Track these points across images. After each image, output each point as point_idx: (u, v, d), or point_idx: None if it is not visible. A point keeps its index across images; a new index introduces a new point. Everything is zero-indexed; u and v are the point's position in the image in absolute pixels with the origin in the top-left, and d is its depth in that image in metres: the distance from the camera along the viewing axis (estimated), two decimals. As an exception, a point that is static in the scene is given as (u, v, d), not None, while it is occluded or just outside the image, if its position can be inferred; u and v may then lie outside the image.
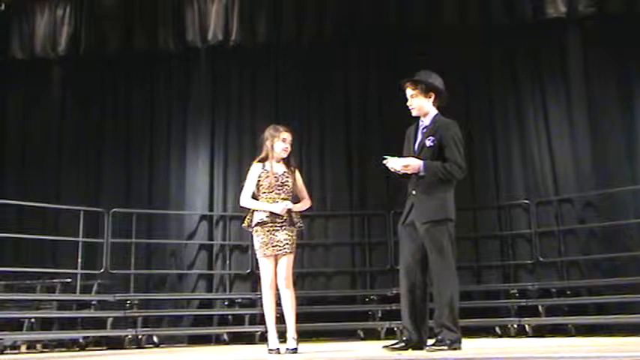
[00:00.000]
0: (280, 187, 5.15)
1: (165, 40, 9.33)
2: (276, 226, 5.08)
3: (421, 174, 4.67)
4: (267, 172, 5.17)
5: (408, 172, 4.69)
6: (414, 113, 4.87)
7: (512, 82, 9.02)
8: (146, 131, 9.56)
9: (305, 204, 5.30)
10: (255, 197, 5.18)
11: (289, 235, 5.11)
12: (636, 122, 8.32)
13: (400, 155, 4.81)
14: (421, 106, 4.81)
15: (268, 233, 5.07)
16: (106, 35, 9.40)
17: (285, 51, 9.44)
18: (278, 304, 5.12)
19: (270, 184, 5.13)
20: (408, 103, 4.86)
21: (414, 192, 4.73)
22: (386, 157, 4.74)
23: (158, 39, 9.34)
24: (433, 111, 4.84)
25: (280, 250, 5.06)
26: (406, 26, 9.00)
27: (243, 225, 5.25)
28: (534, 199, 8.52)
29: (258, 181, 5.17)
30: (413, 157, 4.73)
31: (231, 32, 9.21)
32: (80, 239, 7.92)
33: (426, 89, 4.80)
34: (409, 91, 4.84)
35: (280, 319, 5.11)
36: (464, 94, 8.91)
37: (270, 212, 5.08)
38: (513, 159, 8.84)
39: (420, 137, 4.81)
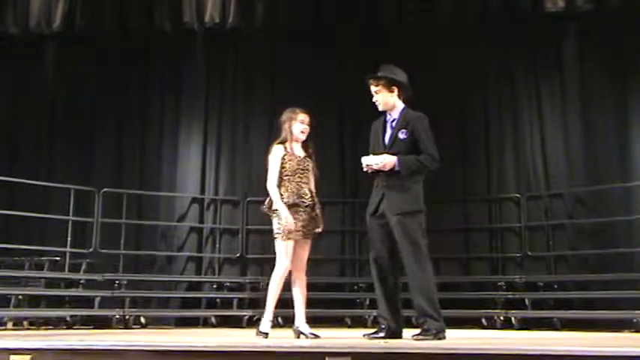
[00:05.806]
0: (302, 172, 5.10)
1: (161, 20, 9.20)
2: (300, 210, 5.03)
3: (396, 169, 4.73)
4: (291, 155, 5.11)
5: (385, 169, 4.74)
6: (381, 108, 4.95)
7: (507, 76, 9.01)
8: (140, 111, 9.49)
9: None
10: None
11: (312, 220, 5.08)
12: (630, 120, 8.33)
13: (368, 150, 4.87)
14: (386, 101, 4.90)
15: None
16: (101, 13, 9.28)
17: (282, 35, 9.37)
18: (285, 289, 5.04)
19: (293, 168, 5.07)
20: (373, 99, 4.93)
21: (384, 183, 4.79)
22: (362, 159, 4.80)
23: (154, 18, 9.22)
24: (400, 104, 4.92)
25: (305, 234, 5.05)
26: (402, 14, 8.94)
27: (263, 207, 5.14)
28: (525, 194, 8.55)
29: (282, 163, 5.08)
30: (383, 152, 4.79)
31: (228, 15, 9.11)
32: (70, 218, 7.90)
33: (389, 84, 4.87)
34: (373, 88, 4.93)
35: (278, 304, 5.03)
36: (459, 87, 8.89)
37: (298, 195, 5.02)
38: (506, 153, 8.86)
39: (389, 131, 4.89)
